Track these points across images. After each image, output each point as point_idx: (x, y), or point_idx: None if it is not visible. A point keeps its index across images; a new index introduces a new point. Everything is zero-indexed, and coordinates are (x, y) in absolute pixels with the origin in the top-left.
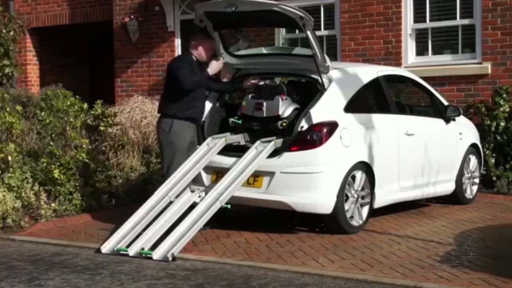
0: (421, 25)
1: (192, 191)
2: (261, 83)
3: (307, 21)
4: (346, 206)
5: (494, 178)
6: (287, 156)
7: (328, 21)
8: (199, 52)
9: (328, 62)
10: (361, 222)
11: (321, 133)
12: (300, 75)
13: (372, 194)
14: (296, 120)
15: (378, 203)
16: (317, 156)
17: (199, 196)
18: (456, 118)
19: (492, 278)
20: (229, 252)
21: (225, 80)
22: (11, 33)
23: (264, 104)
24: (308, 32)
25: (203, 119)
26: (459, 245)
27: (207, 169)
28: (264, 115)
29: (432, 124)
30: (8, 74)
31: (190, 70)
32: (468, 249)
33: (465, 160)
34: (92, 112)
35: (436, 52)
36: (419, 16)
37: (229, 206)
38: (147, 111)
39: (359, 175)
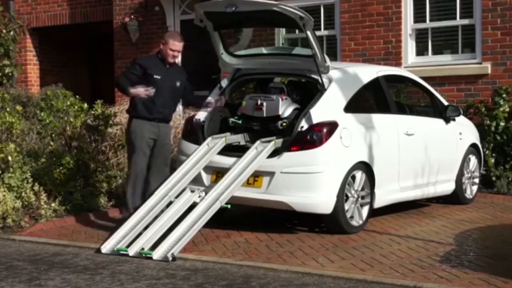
0: (421, 25)
1: (192, 191)
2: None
3: (307, 21)
4: (346, 206)
5: (494, 178)
6: (287, 156)
7: (328, 21)
8: (161, 53)
9: (328, 62)
10: (361, 222)
11: (321, 133)
12: (300, 75)
13: (372, 194)
14: (296, 120)
15: (378, 203)
16: (317, 156)
17: (199, 196)
18: (456, 118)
19: (492, 278)
20: (229, 252)
21: (224, 80)
22: (11, 33)
23: (264, 104)
24: (308, 32)
25: (203, 119)
26: (459, 245)
27: (207, 169)
28: (264, 115)
29: (432, 124)
30: (8, 74)
31: (132, 70)
32: (468, 249)
33: (465, 160)
34: (92, 112)
35: (436, 52)
36: (419, 16)
37: (229, 206)
38: None
39: (359, 175)
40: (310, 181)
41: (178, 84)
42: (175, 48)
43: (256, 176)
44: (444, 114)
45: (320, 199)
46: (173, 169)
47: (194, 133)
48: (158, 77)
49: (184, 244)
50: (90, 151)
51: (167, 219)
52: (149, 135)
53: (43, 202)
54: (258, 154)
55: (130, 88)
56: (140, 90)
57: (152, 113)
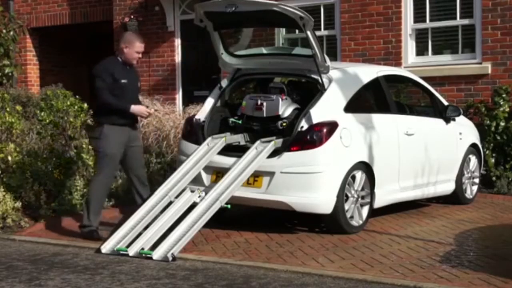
0: (421, 25)
1: (192, 191)
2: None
3: (307, 21)
4: (346, 206)
5: (494, 178)
6: (287, 156)
7: (328, 21)
8: (125, 55)
9: (328, 62)
10: (361, 222)
11: (321, 133)
12: (300, 75)
13: (372, 194)
14: (296, 120)
15: (378, 203)
16: (317, 156)
17: (199, 196)
18: (456, 118)
19: (492, 278)
20: (229, 252)
21: (224, 80)
22: (11, 33)
23: (264, 104)
24: (308, 32)
25: (203, 119)
26: (459, 245)
27: (207, 169)
28: (264, 115)
29: (432, 124)
30: (8, 74)
31: (106, 80)
32: (468, 249)
33: (465, 160)
34: (92, 112)
35: (436, 52)
36: (419, 16)
37: (229, 206)
38: None
39: (359, 175)
40: (310, 181)
41: (138, 84)
42: (140, 50)
43: (256, 176)
44: (444, 114)
45: (320, 199)
46: (173, 169)
47: (194, 133)
48: (125, 81)
49: (184, 244)
50: (90, 151)
51: (167, 219)
52: (121, 141)
53: (43, 202)
54: (258, 154)
55: (129, 105)
56: (143, 109)
57: (125, 118)
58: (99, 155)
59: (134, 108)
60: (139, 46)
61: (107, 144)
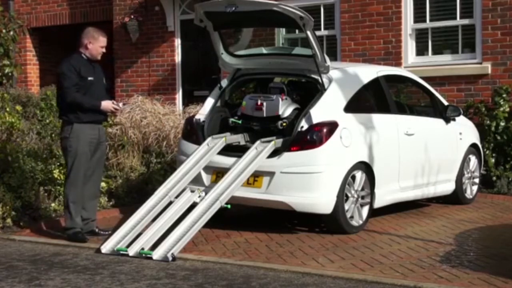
0: (421, 25)
1: (192, 191)
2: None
3: (307, 21)
4: (346, 206)
5: (494, 178)
6: (287, 156)
7: (328, 21)
8: (90, 51)
9: (328, 62)
10: (361, 222)
11: (321, 133)
12: (300, 75)
13: (372, 194)
14: (296, 120)
15: (378, 203)
16: (317, 156)
17: (199, 196)
18: (456, 118)
19: (492, 278)
20: (229, 252)
21: (224, 80)
22: (11, 33)
23: (264, 104)
24: (308, 32)
25: (203, 119)
26: (459, 245)
27: (207, 169)
28: (264, 115)
29: (432, 124)
30: (8, 74)
31: (73, 79)
32: (468, 249)
33: (465, 160)
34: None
35: (436, 52)
36: (419, 16)
37: (229, 206)
38: (147, 111)
39: (359, 175)
40: (310, 181)
41: (104, 81)
42: (104, 44)
43: (256, 176)
44: (444, 114)
45: (320, 199)
46: (173, 169)
47: (194, 133)
48: (92, 78)
49: (184, 244)
50: None
51: (167, 219)
52: (91, 138)
53: (43, 202)
54: (258, 154)
55: (99, 102)
56: (108, 105)
57: (94, 115)
58: (70, 154)
59: (105, 104)
60: (102, 40)
61: (78, 142)
